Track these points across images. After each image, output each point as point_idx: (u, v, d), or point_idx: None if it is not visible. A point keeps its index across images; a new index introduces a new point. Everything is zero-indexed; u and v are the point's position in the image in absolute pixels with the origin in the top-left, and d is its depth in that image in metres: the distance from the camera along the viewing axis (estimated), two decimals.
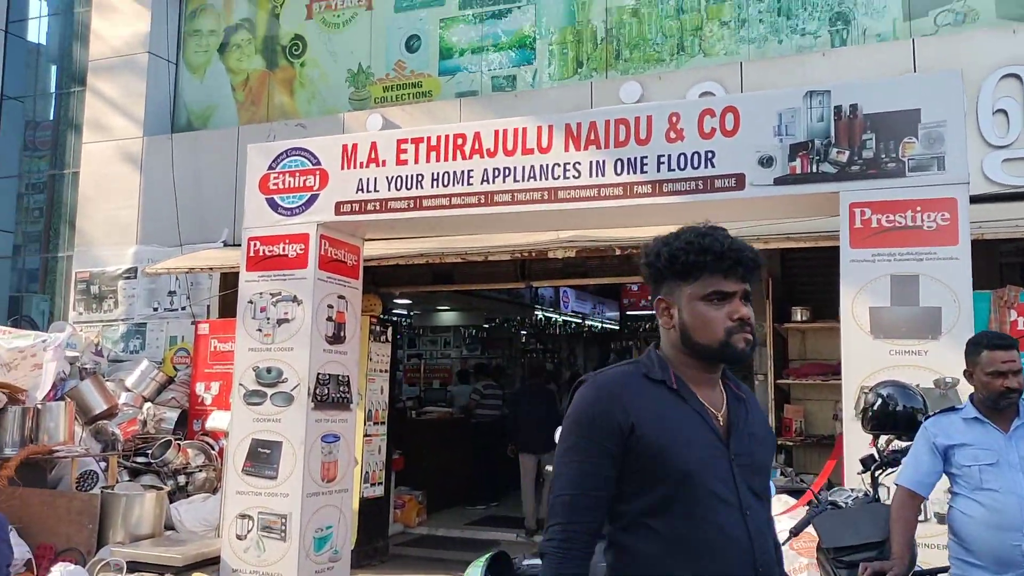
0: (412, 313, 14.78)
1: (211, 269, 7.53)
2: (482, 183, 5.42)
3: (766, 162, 4.85)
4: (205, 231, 8.70)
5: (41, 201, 10.47)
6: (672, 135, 5.05)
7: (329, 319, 6.04)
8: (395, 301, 11.44)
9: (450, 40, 8.59)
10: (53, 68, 10.73)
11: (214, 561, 6.01)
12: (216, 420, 7.01)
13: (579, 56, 8.03)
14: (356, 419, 6.75)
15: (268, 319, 6.03)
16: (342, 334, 6.15)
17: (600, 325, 18.99)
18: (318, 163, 5.96)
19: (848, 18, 7.09)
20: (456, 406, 11.75)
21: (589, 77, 7.83)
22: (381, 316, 7.70)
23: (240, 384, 6.04)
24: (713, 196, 4.94)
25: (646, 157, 5.08)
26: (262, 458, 5.92)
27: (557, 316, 16.48)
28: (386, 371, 7.62)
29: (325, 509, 5.97)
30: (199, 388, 8.16)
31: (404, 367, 16.13)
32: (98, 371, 8.34)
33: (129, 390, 8.22)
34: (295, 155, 6.07)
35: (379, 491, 7.54)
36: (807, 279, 7.43)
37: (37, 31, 10.80)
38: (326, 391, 5.99)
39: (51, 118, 10.51)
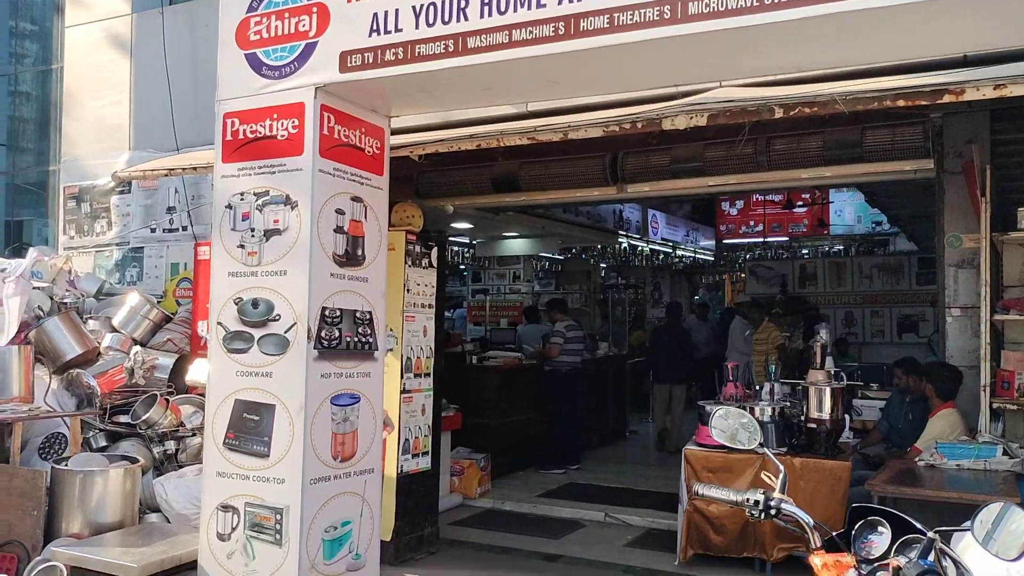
0: (475, 241, 12.83)
1: (195, 170, 5.69)
2: (560, 2, 3.40)
3: None
4: (206, 130, 6.81)
5: (34, 105, 8.78)
6: None
7: (339, 230, 4.15)
8: (452, 226, 9.43)
9: None
10: None
11: (191, 566, 4.33)
12: (197, 371, 5.26)
13: None
14: (389, 371, 4.99)
15: (253, 231, 4.19)
16: (359, 252, 4.26)
17: (693, 255, 16.75)
18: None
19: None
20: (524, 349, 9.85)
21: None
22: (424, 232, 5.77)
23: (219, 323, 4.24)
24: None
25: None
26: (249, 427, 4.14)
27: (644, 244, 14.30)
28: (431, 306, 5.74)
29: (340, 499, 4.19)
30: (201, 328, 6.33)
31: (468, 304, 14.39)
32: (78, 306, 6.69)
33: (116, 330, 6.55)
34: None
35: (424, 463, 5.74)
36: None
37: None
38: (336, 333, 4.13)
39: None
